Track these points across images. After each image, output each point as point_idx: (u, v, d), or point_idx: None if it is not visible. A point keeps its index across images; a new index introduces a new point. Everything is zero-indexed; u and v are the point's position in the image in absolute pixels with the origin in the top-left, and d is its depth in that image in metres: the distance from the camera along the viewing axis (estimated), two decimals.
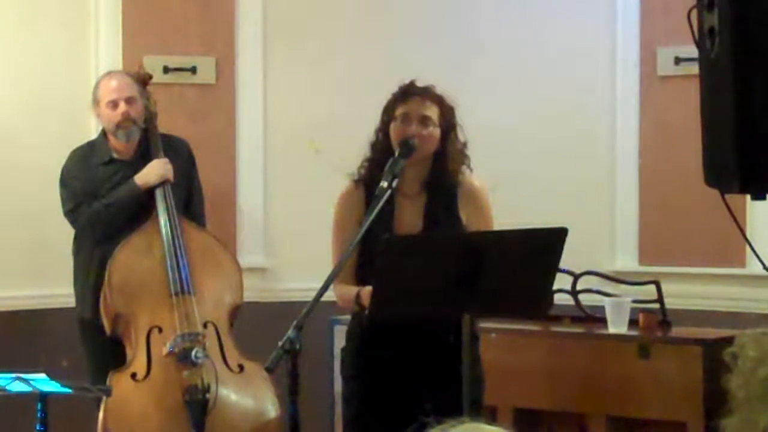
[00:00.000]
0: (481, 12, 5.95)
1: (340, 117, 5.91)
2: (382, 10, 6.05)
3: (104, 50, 5.86)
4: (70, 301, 5.51)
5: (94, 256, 4.98)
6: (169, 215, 4.89)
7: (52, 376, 4.52)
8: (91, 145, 5.19)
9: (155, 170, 4.96)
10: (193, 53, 5.87)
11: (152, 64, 5.78)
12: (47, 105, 5.81)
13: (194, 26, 5.94)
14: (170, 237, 4.85)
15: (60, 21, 5.84)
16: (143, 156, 5.03)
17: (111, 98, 4.99)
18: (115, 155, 5.06)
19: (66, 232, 5.81)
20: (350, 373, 4.23)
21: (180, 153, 5.15)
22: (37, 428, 4.46)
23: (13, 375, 4.47)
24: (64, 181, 5.10)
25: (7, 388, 4.48)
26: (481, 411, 4.17)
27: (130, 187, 4.95)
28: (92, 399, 4.77)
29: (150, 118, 5.09)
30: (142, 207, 4.94)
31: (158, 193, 4.93)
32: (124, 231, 4.89)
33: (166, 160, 5.00)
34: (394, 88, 4.26)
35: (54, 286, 5.76)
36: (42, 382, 4.47)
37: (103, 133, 5.12)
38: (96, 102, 5.04)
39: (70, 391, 4.50)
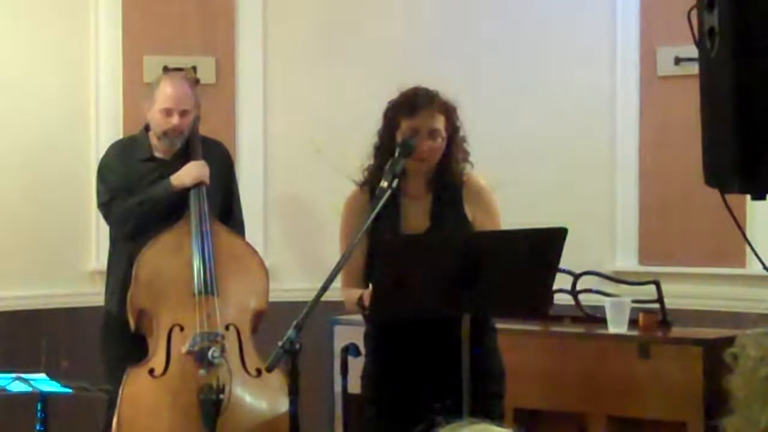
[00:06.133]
0: (481, 13, 5.95)
1: (340, 117, 5.91)
2: (383, 10, 6.05)
3: (104, 50, 5.87)
4: (71, 301, 5.52)
5: (125, 252, 4.99)
6: (200, 217, 4.90)
7: (52, 376, 4.53)
8: (132, 140, 5.19)
9: (191, 172, 4.96)
10: (193, 53, 5.87)
11: (152, 64, 5.79)
12: (47, 105, 5.81)
13: (194, 26, 5.95)
14: (199, 238, 4.86)
15: (59, 21, 5.84)
16: (182, 156, 5.02)
17: (167, 106, 4.95)
18: (155, 153, 5.05)
19: (66, 233, 5.82)
20: (370, 374, 4.22)
21: (218, 157, 5.15)
22: (37, 428, 4.47)
23: (13, 375, 4.48)
24: (102, 174, 5.10)
25: (7, 388, 4.49)
26: (501, 405, 4.17)
27: (165, 187, 4.95)
28: (93, 398, 4.77)
29: (194, 120, 5.08)
30: (175, 207, 4.93)
31: (192, 195, 4.93)
32: (155, 229, 4.90)
33: (203, 162, 5.00)
34: (394, 89, 4.24)
35: (54, 286, 5.77)
36: (42, 382, 4.48)
37: (146, 129, 5.09)
38: (151, 100, 5.02)
39: (70, 391, 4.51)
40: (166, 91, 4.97)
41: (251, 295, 4.94)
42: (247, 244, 5.09)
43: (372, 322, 4.20)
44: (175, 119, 4.96)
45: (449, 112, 4.18)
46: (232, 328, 4.82)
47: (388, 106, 4.21)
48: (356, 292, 4.05)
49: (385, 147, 4.16)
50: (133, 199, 4.97)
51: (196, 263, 4.84)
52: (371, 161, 4.23)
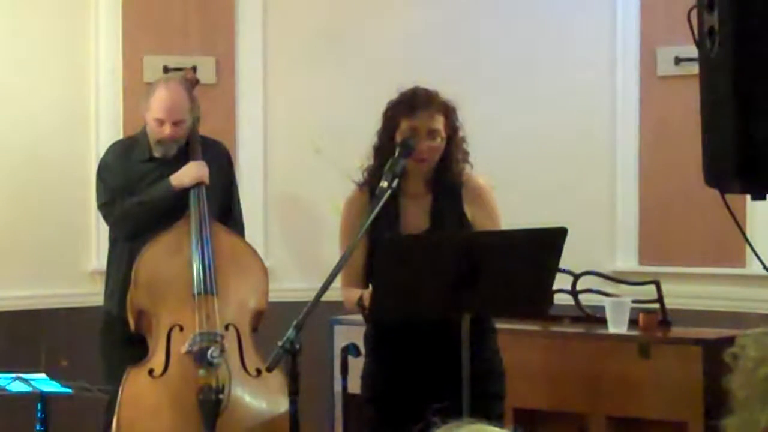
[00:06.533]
0: (481, 13, 5.95)
1: (340, 117, 5.91)
2: (383, 10, 6.05)
3: (104, 50, 5.87)
4: (70, 301, 5.51)
5: (124, 252, 4.99)
6: (200, 217, 4.90)
7: (52, 376, 4.53)
8: (132, 141, 5.18)
9: (190, 172, 4.97)
10: (193, 53, 5.88)
11: (152, 64, 5.79)
12: (47, 105, 5.81)
13: (194, 26, 5.95)
14: (199, 238, 4.86)
15: (59, 21, 5.84)
16: (182, 157, 5.03)
17: (159, 117, 4.95)
18: (155, 153, 5.05)
19: (66, 233, 5.82)
20: (368, 375, 4.22)
21: (218, 156, 5.15)
22: (37, 428, 4.47)
23: (13, 375, 4.48)
24: (102, 175, 5.10)
25: (7, 388, 4.49)
26: (502, 405, 4.17)
27: (165, 187, 4.96)
28: (93, 398, 4.77)
29: (193, 121, 5.07)
30: (175, 207, 4.94)
31: (192, 195, 4.94)
32: (156, 229, 4.90)
33: (202, 162, 5.00)
34: (394, 89, 4.24)
35: (54, 286, 5.77)
36: (42, 382, 4.48)
37: (146, 129, 5.11)
38: (146, 106, 5.00)
39: (70, 391, 4.51)
40: (160, 101, 4.96)
41: (251, 295, 4.94)
42: (247, 244, 5.09)
43: (372, 322, 4.20)
44: (167, 130, 4.96)
45: (449, 112, 4.17)
46: (231, 328, 4.82)
47: (387, 106, 4.20)
48: (356, 292, 4.04)
49: (385, 147, 4.16)
50: (133, 200, 4.97)
51: (196, 263, 4.84)
52: (371, 161, 4.23)
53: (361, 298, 3.98)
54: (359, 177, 4.26)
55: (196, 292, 4.81)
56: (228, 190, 5.19)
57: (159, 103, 4.95)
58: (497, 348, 4.24)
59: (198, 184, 4.96)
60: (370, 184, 4.19)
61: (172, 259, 4.89)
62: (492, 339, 4.23)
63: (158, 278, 4.86)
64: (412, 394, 4.06)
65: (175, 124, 4.96)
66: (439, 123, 4.14)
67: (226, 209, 5.15)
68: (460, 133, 4.21)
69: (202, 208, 4.93)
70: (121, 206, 4.99)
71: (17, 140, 5.74)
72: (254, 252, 5.05)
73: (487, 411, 3.83)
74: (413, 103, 4.13)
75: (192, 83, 5.21)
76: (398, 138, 4.12)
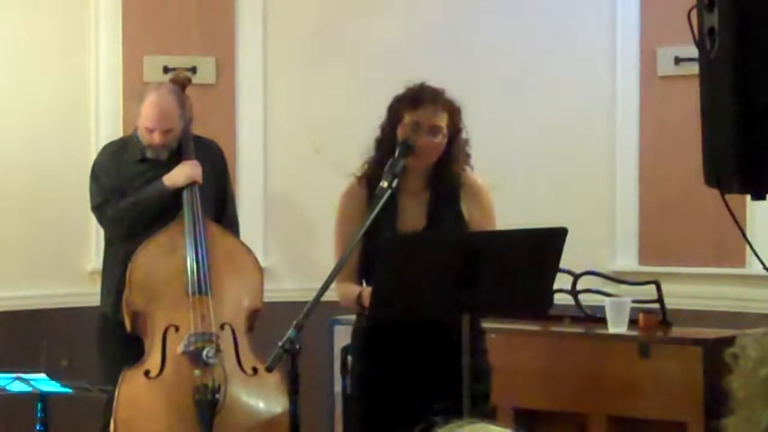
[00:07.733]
0: (481, 13, 5.95)
1: (340, 117, 5.91)
2: (382, 10, 6.05)
3: (104, 50, 5.87)
4: (71, 301, 5.51)
5: (119, 253, 4.99)
6: (194, 216, 4.90)
7: (52, 376, 4.54)
8: (124, 142, 5.20)
9: (183, 172, 4.97)
10: (193, 53, 5.87)
11: (152, 64, 5.79)
12: (47, 105, 5.81)
13: (194, 26, 5.95)
14: (193, 238, 4.86)
15: (60, 21, 5.84)
16: (175, 157, 5.04)
17: (148, 126, 4.97)
18: (147, 154, 5.06)
19: (66, 233, 5.82)
20: (357, 372, 4.22)
21: (212, 156, 5.16)
22: (37, 428, 4.47)
23: (13, 375, 4.49)
24: (95, 176, 5.10)
25: (7, 388, 4.49)
26: (488, 405, 4.17)
27: (158, 187, 4.96)
28: (93, 398, 4.77)
29: (186, 122, 5.08)
30: (169, 207, 4.94)
31: (185, 195, 4.94)
32: (150, 230, 4.90)
33: (195, 162, 5.01)
34: (394, 89, 4.24)
35: (54, 286, 5.77)
36: (42, 382, 4.48)
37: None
38: (137, 111, 5.02)
39: (70, 391, 4.52)
40: (149, 110, 4.97)
41: (246, 294, 4.94)
42: (241, 243, 5.08)
43: (367, 321, 4.19)
44: (156, 138, 4.98)
45: (453, 111, 4.17)
46: (227, 327, 4.82)
47: (393, 99, 4.21)
48: (353, 289, 4.05)
49: (387, 141, 4.16)
50: (127, 201, 4.98)
51: (190, 263, 4.84)
52: (372, 153, 4.22)
53: (360, 296, 3.98)
54: (359, 171, 4.26)
55: (190, 292, 4.81)
56: (222, 189, 5.19)
57: (148, 112, 4.97)
58: (486, 348, 4.23)
59: (191, 184, 4.96)
60: (368, 177, 4.19)
61: (166, 259, 4.89)
62: (482, 339, 4.23)
63: (153, 279, 4.86)
64: (401, 393, 4.06)
65: (165, 132, 4.97)
66: (442, 120, 4.13)
67: (220, 208, 5.14)
68: (463, 134, 4.20)
69: (195, 207, 4.92)
70: (114, 207, 4.99)
71: (17, 140, 5.74)
72: (249, 251, 5.05)
73: (475, 410, 3.83)
74: (418, 98, 4.14)
75: (183, 84, 5.20)
76: (400, 132, 4.12)
